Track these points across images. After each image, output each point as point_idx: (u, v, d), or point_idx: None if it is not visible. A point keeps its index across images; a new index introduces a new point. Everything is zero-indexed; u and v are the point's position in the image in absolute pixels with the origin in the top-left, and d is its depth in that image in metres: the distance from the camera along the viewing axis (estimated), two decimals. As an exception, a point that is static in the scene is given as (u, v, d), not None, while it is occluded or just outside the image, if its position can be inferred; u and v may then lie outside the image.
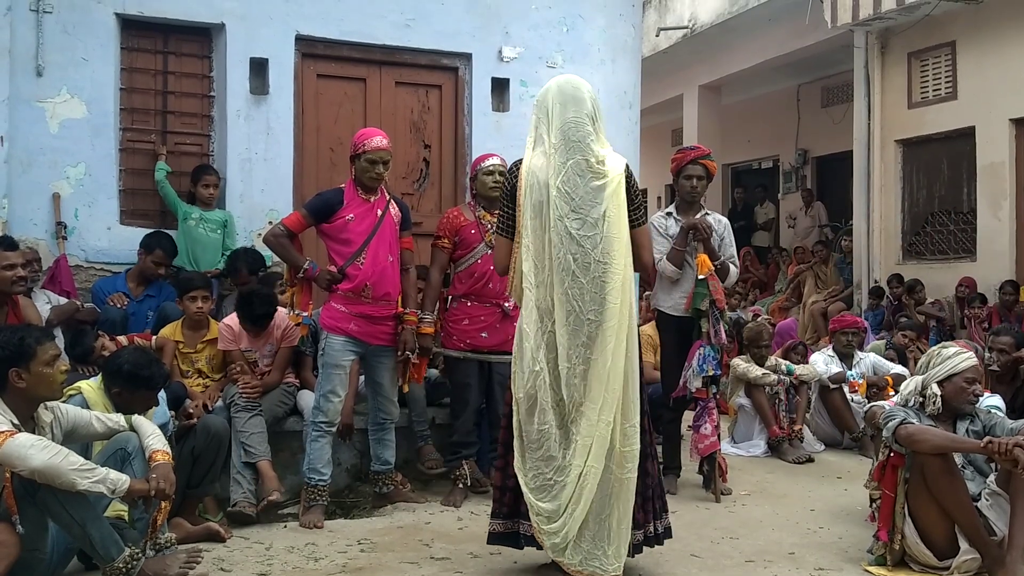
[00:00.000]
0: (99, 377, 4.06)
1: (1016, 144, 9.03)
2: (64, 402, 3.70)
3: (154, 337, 5.09)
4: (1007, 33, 8.94)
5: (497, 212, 3.71)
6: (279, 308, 5.12)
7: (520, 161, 3.65)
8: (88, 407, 3.83)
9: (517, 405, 3.58)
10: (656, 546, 3.79)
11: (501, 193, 3.68)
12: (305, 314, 4.87)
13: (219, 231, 5.95)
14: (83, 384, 4.01)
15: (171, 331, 5.09)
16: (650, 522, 3.72)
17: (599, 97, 3.75)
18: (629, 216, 3.59)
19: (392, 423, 4.98)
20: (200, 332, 5.12)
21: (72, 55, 5.81)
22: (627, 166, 3.62)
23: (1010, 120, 9.00)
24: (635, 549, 3.65)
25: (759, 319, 8.90)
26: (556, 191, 3.47)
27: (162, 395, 4.28)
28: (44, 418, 3.52)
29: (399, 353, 4.81)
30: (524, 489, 3.53)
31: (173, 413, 4.50)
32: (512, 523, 3.71)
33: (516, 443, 3.58)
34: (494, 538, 3.77)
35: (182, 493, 4.23)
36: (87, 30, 5.85)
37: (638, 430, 3.56)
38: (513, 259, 3.64)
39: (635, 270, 3.69)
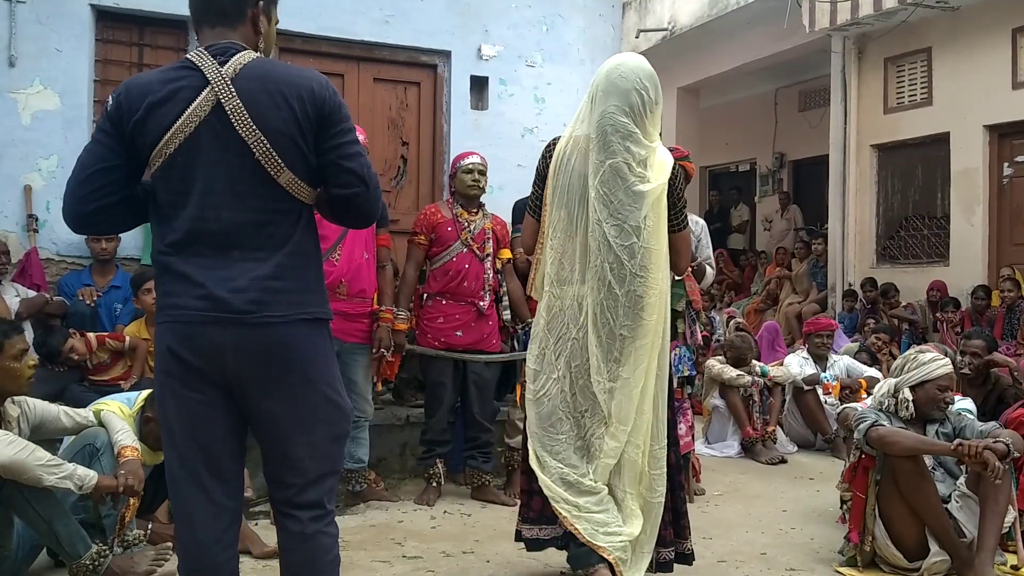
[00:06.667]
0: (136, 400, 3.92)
1: (990, 150, 9.11)
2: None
3: (128, 337, 5.02)
4: (982, 40, 9.02)
5: (531, 191, 3.46)
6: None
7: (558, 139, 3.37)
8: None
9: (528, 404, 3.39)
10: (686, 565, 3.53)
11: (537, 169, 3.41)
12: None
13: None
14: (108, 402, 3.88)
15: (136, 328, 5.02)
16: (686, 539, 3.51)
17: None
18: (669, 221, 3.29)
19: (366, 421, 4.94)
20: None
21: (45, 46, 5.73)
22: (676, 166, 3.31)
23: (984, 126, 9.07)
24: (663, 567, 3.44)
25: (733, 321, 8.95)
26: (595, 192, 3.18)
27: (134, 394, 4.23)
28: (11, 412, 3.47)
29: (374, 351, 4.79)
30: (548, 483, 3.27)
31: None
32: (539, 529, 3.48)
33: (531, 443, 3.36)
34: (529, 544, 3.54)
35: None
36: (61, 21, 5.77)
37: (666, 450, 3.36)
38: (538, 250, 3.37)
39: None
